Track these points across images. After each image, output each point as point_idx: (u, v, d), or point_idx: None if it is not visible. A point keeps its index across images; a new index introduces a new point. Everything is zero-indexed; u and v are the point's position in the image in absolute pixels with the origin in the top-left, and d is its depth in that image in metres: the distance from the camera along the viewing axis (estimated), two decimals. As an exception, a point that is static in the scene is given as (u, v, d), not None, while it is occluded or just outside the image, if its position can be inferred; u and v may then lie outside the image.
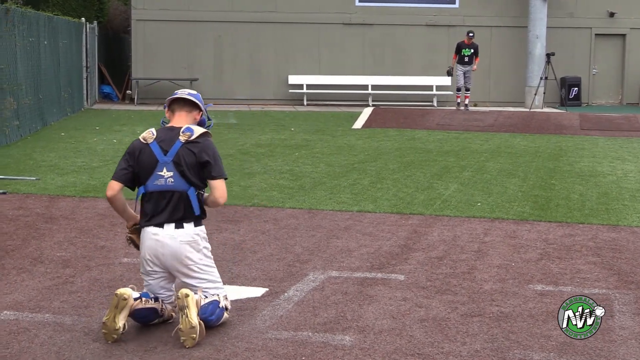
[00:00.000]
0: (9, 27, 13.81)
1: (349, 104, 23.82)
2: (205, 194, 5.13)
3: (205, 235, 5.09)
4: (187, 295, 4.78)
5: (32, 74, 15.56)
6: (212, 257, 5.16)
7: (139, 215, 5.11)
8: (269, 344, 4.84)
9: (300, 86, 24.20)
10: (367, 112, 20.80)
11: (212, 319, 4.94)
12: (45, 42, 16.69)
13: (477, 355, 4.72)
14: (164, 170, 4.93)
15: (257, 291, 5.86)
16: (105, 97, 24.61)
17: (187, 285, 5.01)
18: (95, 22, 23.71)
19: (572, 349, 4.83)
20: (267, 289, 5.91)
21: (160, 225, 4.93)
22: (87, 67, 21.65)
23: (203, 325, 4.80)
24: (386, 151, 13.91)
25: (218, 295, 5.05)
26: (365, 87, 24.41)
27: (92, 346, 4.75)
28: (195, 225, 5.00)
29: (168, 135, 5.01)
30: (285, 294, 5.82)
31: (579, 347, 4.86)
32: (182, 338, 4.73)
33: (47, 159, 12.12)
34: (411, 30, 24.55)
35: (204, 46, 23.96)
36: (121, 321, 4.79)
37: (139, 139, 5.04)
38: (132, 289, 4.98)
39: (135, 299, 4.90)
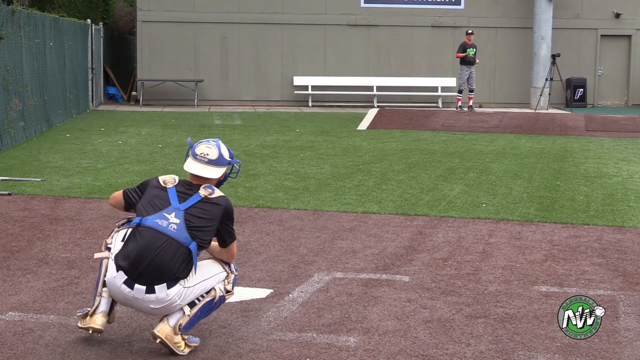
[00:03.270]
0: (14, 29, 13.83)
1: (354, 105, 23.84)
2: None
3: (180, 293, 4.59)
4: (156, 338, 4.60)
5: (38, 75, 15.60)
6: (193, 282, 4.65)
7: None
8: (274, 345, 4.84)
9: (305, 87, 24.21)
10: (372, 113, 20.81)
11: (208, 314, 4.82)
12: (51, 44, 16.72)
13: (481, 357, 4.72)
14: (173, 215, 4.59)
15: (262, 292, 5.86)
16: (111, 99, 24.66)
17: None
18: (100, 23, 23.77)
19: (577, 350, 4.83)
20: (272, 290, 5.92)
21: (130, 285, 4.52)
22: (92, 69, 21.70)
23: (179, 341, 4.65)
24: (391, 152, 13.91)
25: (210, 291, 4.75)
26: (370, 88, 24.42)
27: (96, 347, 4.76)
28: (169, 287, 4.54)
29: (187, 188, 4.74)
30: (290, 295, 5.82)
31: (583, 348, 4.85)
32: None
33: (53, 160, 12.14)
34: (416, 31, 24.56)
35: (210, 47, 23.99)
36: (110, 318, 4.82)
37: (157, 179, 4.77)
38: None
39: (109, 312, 4.81)
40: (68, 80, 18.46)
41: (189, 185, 4.78)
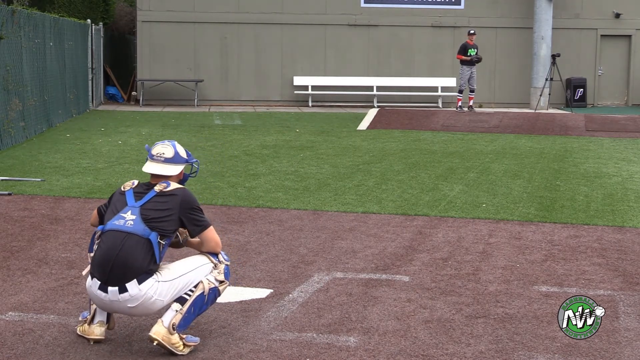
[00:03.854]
0: (14, 29, 13.83)
1: (354, 105, 23.83)
2: (190, 239, 4.97)
3: (154, 288, 4.60)
4: (153, 341, 4.60)
5: (38, 75, 15.60)
6: (170, 276, 4.67)
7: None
8: (274, 345, 4.84)
9: (305, 87, 24.21)
10: (372, 113, 20.81)
11: (204, 309, 4.80)
12: (51, 44, 16.72)
13: (481, 357, 4.72)
14: (128, 213, 4.69)
15: (262, 292, 5.87)
16: (111, 99, 24.66)
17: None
18: (100, 23, 23.76)
19: (577, 350, 4.83)
20: (272, 290, 5.92)
21: (104, 289, 4.57)
22: (92, 69, 21.69)
23: (178, 342, 4.64)
24: (391, 152, 13.91)
25: (198, 284, 4.73)
26: (370, 88, 24.41)
27: (96, 347, 4.76)
28: (140, 283, 4.56)
29: (145, 188, 4.83)
30: (290, 295, 5.82)
31: (583, 348, 4.85)
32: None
33: (53, 160, 12.14)
34: (416, 31, 24.56)
35: (210, 47, 23.99)
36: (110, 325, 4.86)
37: (120, 188, 4.89)
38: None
39: (108, 320, 4.84)
40: (68, 80, 18.45)
41: (147, 185, 4.88)
